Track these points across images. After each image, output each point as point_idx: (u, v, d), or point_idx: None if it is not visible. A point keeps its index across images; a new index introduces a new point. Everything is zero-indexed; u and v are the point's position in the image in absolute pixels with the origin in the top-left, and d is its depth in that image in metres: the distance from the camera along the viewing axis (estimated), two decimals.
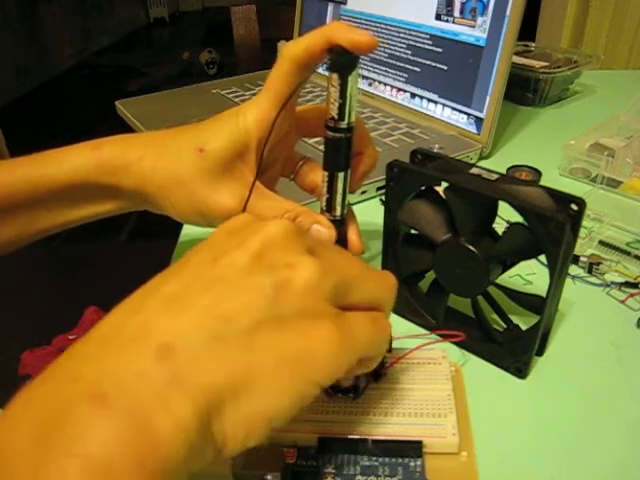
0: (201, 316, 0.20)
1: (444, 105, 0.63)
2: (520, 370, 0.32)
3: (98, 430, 0.17)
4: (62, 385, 0.18)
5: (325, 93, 0.31)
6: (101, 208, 0.37)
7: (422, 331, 0.36)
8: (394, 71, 0.69)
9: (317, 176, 0.36)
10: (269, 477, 0.26)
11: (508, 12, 0.54)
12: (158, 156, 0.35)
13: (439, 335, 0.34)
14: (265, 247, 0.22)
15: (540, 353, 0.34)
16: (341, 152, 0.32)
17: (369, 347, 0.24)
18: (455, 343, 0.34)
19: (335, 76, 0.30)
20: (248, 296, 0.21)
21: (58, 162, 0.35)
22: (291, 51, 0.32)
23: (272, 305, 0.21)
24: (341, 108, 0.31)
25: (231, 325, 0.20)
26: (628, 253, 0.42)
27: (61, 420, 0.17)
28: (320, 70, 0.31)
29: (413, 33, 0.65)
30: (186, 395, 0.18)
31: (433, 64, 0.63)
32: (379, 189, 0.51)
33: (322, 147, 0.33)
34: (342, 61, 0.30)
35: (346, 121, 0.31)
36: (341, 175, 0.33)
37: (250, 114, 0.34)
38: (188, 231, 0.47)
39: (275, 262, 0.22)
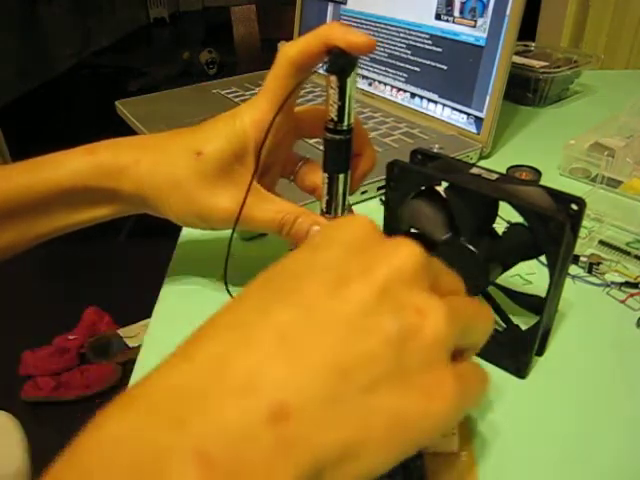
0: (319, 368, 0.18)
1: (444, 105, 0.63)
2: (520, 370, 0.32)
3: None
4: (164, 425, 0.17)
5: (325, 93, 0.31)
6: (100, 212, 0.36)
7: None
8: (394, 71, 0.69)
9: (317, 177, 0.36)
10: None
11: (508, 12, 0.54)
12: (155, 160, 0.34)
13: None
14: (394, 279, 0.20)
15: (540, 353, 0.34)
16: (341, 154, 0.32)
17: (477, 400, 0.22)
18: None
19: (334, 78, 0.30)
20: (372, 343, 0.18)
21: (55, 167, 0.35)
22: (288, 53, 0.32)
23: (397, 357, 0.18)
24: (340, 110, 0.31)
25: (350, 382, 0.18)
26: (628, 253, 0.42)
27: (161, 468, 0.16)
28: (320, 70, 0.31)
29: (413, 33, 0.65)
30: (293, 463, 0.17)
31: (433, 64, 0.63)
32: (379, 189, 0.51)
33: (322, 147, 0.33)
34: (340, 63, 0.30)
35: (345, 123, 0.31)
36: (341, 177, 0.33)
37: (247, 116, 0.34)
38: (187, 232, 0.47)
39: (403, 301, 0.19)
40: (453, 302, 0.21)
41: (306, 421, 0.17)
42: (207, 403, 0.17)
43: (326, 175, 0.33)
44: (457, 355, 0.22)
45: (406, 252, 0.20)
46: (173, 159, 0.34)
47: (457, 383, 0.20)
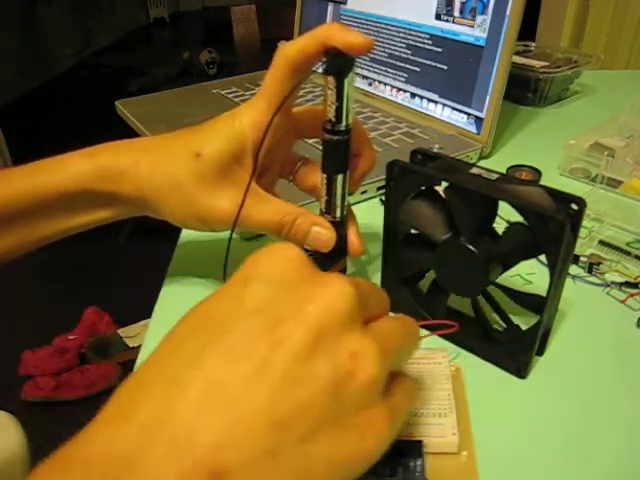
0: (256, 422, 0.17)
1: (444, 105, 0.63)
2: (520, 370, 0.32)
3: None
4: None
5: (324, 93, 0.31)
6: (100, 215, 0.37)
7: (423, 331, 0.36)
8: (394, 71, 0.69)
9: (316, 177, 0.36)
10: None
11: (508, 12, 0.54)
12: (154, 161, 0.34)
13: (429, 328, 0.34)
14: (326, 321, 0.19)
15: (540, 353, 0.34)
16: (339, 154, 0.32)
17: (409, 411, 0.23)
18: (455, 342, 0.34)
19: (331, 79, 0.30)
20: (308, 392, 0.18)
21: (55, 171, 0.35)
22: (285, 54, 0.32)
23: (332, 403, 0.19)
24: (338, 110, 0.31)
25: (288, 433, 0.18)
26: (628, 253, 0.42)
27: None
28: (319, 70, 0.31)
29: (413, 33, 0.65)
30: None
31: (433, 64, 0.63)
32: (379, 189, 0.51)
33: (321, 147, 0.33)
34: (338, 63, 0.30)
35: (344, 123, 0.31)
36: (340, 177, 0.33)
37: (246, 117, 0.34)
38: (188, 232, 0.47)
39: (336, 345, 0.19)
40: (382, 331, 0.22)
41: (247, 478, 0.17)
42: (145, 468, 0.17)
43: (325, 176, 0.33)
44: (393, 376, 0.22)
45: (337, 290, 0.20)
46: (172, 160, 0.34)
47: (389, 417, 0.20)
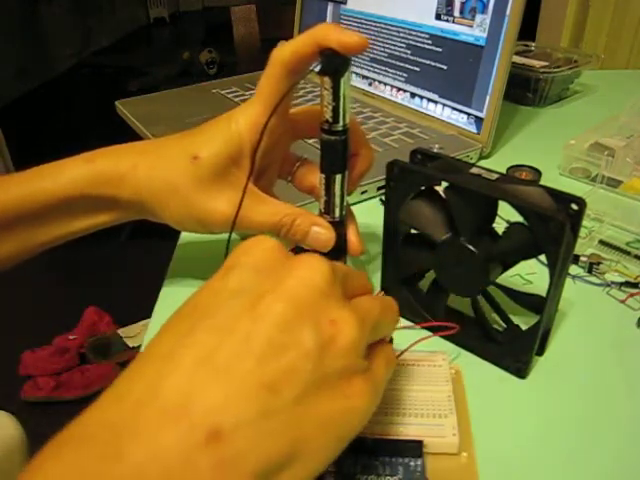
0: (247, 387, 0.19)
1: (444, 105, 0.63)
2: (520, 370, 0.32)
3: None
4: (101, 461, 0.17)
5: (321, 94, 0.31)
6: (100, 219, 0.37)
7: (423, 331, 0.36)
8: (394, 71, 0.69)
9: (315, 177, 0.36)
10: None
11: (508, 12, 0.54)
12: (152, 165, 0.35)
13: (430, 329, 0.34)
14: (304, 296, 0.21)
15: (540, 353, 0.34)
16: (337, 154, 0.32)
17: (389, 376, 0.25)
18: (455, 342, 0.34)
19: (327, 79, 0.30)
20: (292, 356, 0.19)
21: (53, 176, 0.35)
22: (280, 55, 0.32)
23: (316, 367, 0.20)
24: (335, 110, 0.30)
25: (278, 396, 0.19)
26: (628, 253, 0.42)
27: None
28: (316, 70, 0.31)
29: (413, 33, 0.65)
30: None
31: (433, 64, 0.63)
32: (379, 189, 0.51)
33: (319, 147, 0.33)
34: (333, 64, 0.30)
35: (341, 123, 0.31)
36: (338, 177, 0.33)
37: (242, 119, 0.34)
38: (187, 234, 0.47)
39: (316, 314, 0.21)
40: (361, 305, 0.23)
41: (242, 440, 0.18)
42: (142, 433, 0.17)
43: (323, 176, 0.33)
44: (372, 347, 0.24)
45: (312, 265, 0.22)
46: (170, 164, 0.34)
47: (369, 382, 0.22)
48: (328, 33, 0.30)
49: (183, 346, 0.20)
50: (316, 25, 0.30)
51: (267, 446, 0.18)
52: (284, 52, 0.31)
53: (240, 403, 0.18)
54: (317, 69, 0.30)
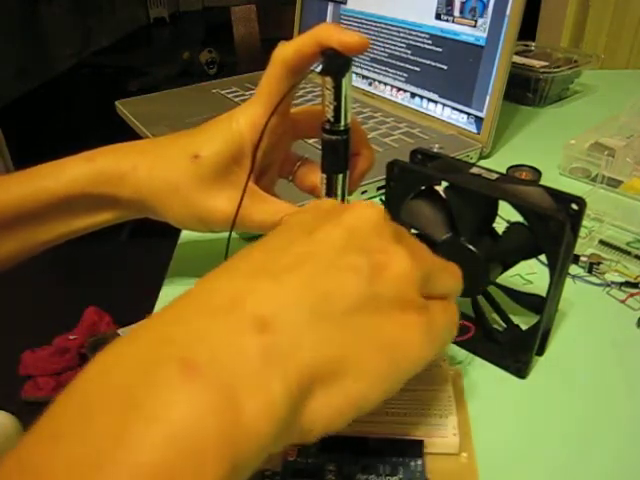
0: (301, 289, 0.19)
1: (444, 105, 0.63)
2: (520, 370, 0.32)
3: (185, 398, 0.16)
4: (153, 345, 0.18)
5: (322, 93, 0.31)
6: (100, 218, 0.37)
7: None
8: (394, 71, 0.69)
9: (315, 176, 0.36)
10: (269, 473, 0.26)
11: (508, 11, 0.54)
12: (153, 164, 0.35)
13: None
14: (359, 227, 0.22)
15: (540, 353, 0.34)
16: (339, 154, 0.32)
17: (448, 336, 0.25)
18: (455, 342, 0.34)
19: (329, 79, 0.30)
20: (346, 275, 0.20)
21: (54, 175, 0.35)
22: (281, 55, 0.32)
23: (369, 287, 0.20)
24: (336, 110, 0.30)
25: (331, 303, 0.19)
26: (628, 253, 0.42)
27: (150, 380, 0.16)
28: (318, 70, 0.31)
29: (413, 33, 0.65)
30: (281, 375, 0.18)
31: (433, 64, 0.63)
32: (379, 189, 0.51)
33: (321, 147, 0.33)
34: (335, 64, 0.30)
35: (342, 123, 0.31)
36: (340, 177, 0.33)
37: (243, 118, 0.34)
38: (188, 233, 0.47)
39: (370, 245, 0.22)
40: (418, 251, 0.24)
41: (291, 335, 0.18)
42: (194, 321, 0.18)
43: (325, 176, 0.33)
44: (434, 299, 0.24)
45: (368, 207, 0.23)
46: (170, 163, 0.34)
47: (425, 318, 0.22)
48: (330, 33, 0.30)
49: (239, 261, 0.21)
50: (317, 25, 0.30)
51: (318, 346, 0.19)
52: (285, 52, 0.31)
53: (293, 301, 0.19)
54: (318, 69, 0.30)
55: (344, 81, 0.30)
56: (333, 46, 0.30)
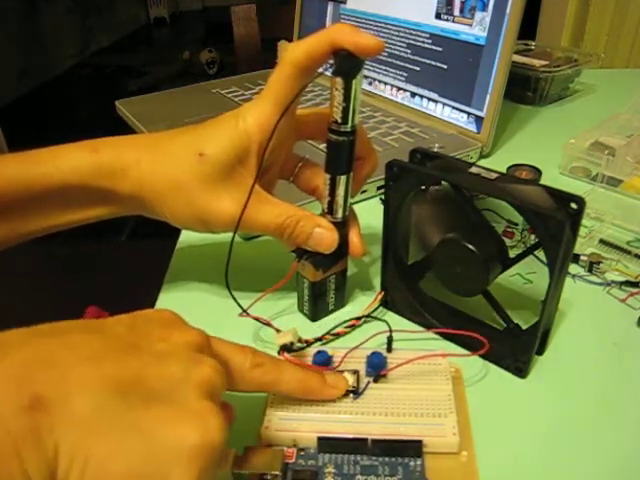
0: (90, 379, 0.20)
1: (444, 104, 0.63)
2: (520, 369, 0.32)
3: None
4: None
5: (326, 94, 0.31)
6: (93, 212, 0.36)
7: (425, 333, 0.36)
8: (394, 70, 0.69)
9: (317, 178, 0.36)
10: (269, 477, 0.25)
11: (508, 11, 0.54)
12: (156, 160, 0.34)
13: (450, 337, 0.34)
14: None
15: (540, 352, 0.34)
16: (344, 155, 0.32)
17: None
18: (455, 342, 0.34)
19: (339, 80, 0.30)
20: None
21: (54, 162, 0.34)
22: (293, 55, 0.31)
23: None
24: (345, 111, 0.30)
25: (125, 398, 0.20)
26: (628, 252, 0.42)
27: None
28: (327, 73, 0.31)
29: (413, 32, 0.65)
30: (37, 451, 0.18)
31: (433, 63, 0.63)
32: (379, 189, 0.51)
33: (322, 147, 0.33)
34: (347, 65, 0.29)
35: (349, 124, 0.31)
36: (343, 178, 0.33)
37: (251, 117, 0.33)
38: (188, 233, 0.47)
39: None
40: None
41: (64, 418, 0.18)
42: None
43: (328, 176, 0.33)
44: None
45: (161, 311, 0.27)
46: (174, 160, 0.34)
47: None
48: (343, 34, 0.29)
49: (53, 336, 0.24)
50: (318, 25, 0.30)
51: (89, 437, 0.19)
52: (296, 52, 0.31)
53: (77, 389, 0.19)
54: (329, 70, 0.30)
55: (355, 83, 0.30)
56: (347, 47, 0.29)
